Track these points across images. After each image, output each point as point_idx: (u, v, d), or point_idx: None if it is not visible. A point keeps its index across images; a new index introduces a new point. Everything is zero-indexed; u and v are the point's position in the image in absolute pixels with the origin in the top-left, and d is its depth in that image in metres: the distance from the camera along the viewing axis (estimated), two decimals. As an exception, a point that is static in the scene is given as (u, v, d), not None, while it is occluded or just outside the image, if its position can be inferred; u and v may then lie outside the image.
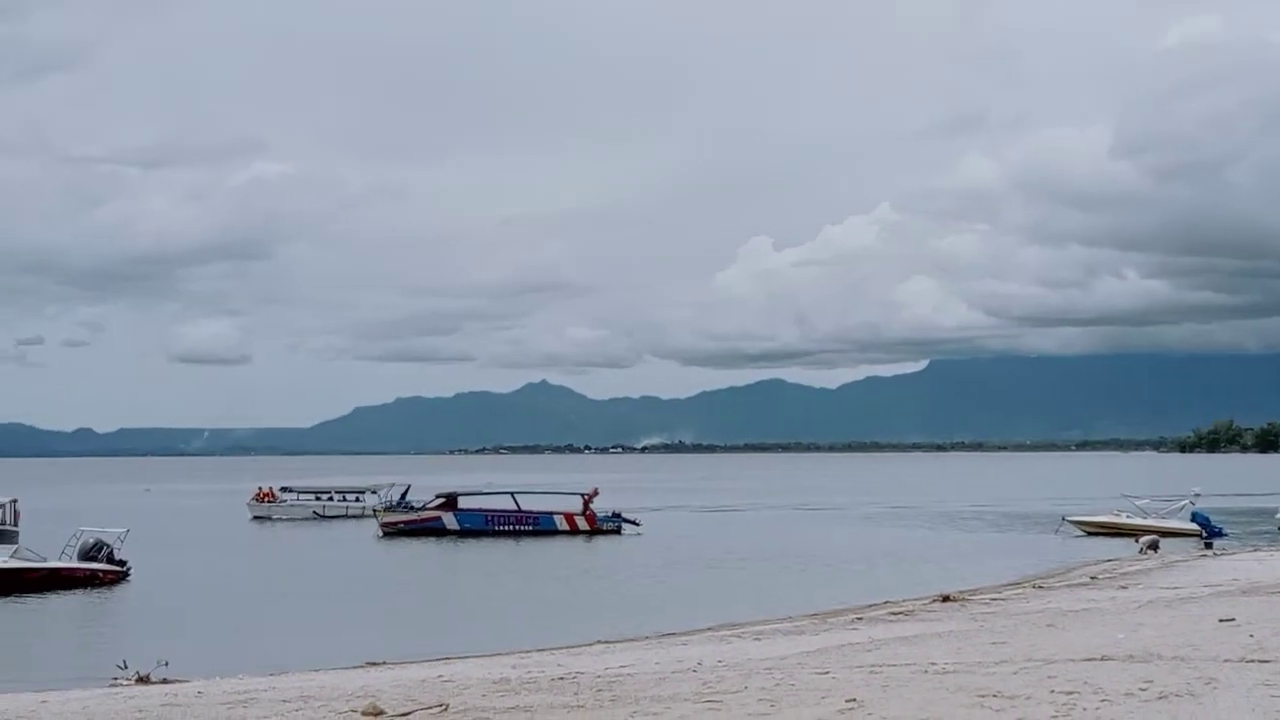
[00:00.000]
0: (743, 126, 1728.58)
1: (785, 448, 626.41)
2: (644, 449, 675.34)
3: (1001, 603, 36.26)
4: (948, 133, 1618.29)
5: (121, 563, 49.81)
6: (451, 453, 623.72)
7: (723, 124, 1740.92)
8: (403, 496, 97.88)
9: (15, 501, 63.80)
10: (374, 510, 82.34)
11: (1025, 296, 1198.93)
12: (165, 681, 24.48)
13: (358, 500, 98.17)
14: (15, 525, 61.30)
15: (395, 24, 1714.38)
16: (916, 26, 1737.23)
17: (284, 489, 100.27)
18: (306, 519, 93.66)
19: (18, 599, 44.25)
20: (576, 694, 17.74)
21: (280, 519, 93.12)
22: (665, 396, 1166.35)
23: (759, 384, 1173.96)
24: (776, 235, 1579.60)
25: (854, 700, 15.48)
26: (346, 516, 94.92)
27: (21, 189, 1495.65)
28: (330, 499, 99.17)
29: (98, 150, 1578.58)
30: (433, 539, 73.00)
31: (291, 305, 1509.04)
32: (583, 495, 78.10)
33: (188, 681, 24.09)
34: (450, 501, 78.33)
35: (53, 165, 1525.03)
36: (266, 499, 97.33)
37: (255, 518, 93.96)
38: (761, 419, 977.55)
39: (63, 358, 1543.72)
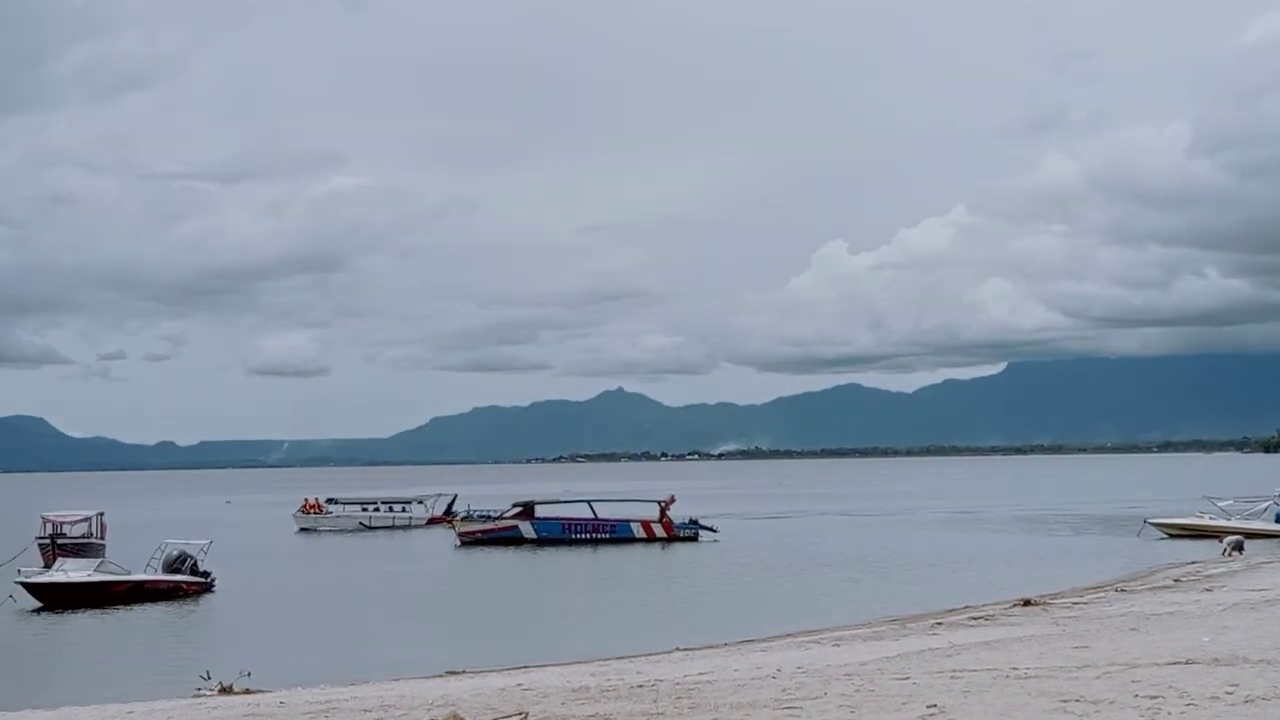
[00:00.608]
0: (816, 130, 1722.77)
1: (863, 452, 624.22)
2: (720, 455, 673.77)
3: (1083, 606, 35.88)
4: (1024, 133, 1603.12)
5: (205, 574, 50.38)
6: (529, 461, 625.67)
7: (796, 128, 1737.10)
8: (449, 507, 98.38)
9: (102, 515, 64.80)
10: (455, 520, 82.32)
11: (1105, 297, 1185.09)
12: (248, 692, 24.68)
13: (404, 511, 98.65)
14: (103, 538, 62.22)
15: (469, 36, 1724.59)
16: (992, 26, 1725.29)
17: (330, 500, 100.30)
18: (353, 530, 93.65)
19: (104, 611, 44.84)
20: (656, 701, 17.73)
21: (327, 530, 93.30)
22: (741, 402, 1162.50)
23: (835, 389, 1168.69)
24: (851, 239, 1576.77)
25: (935, 706, 15.38)
26: (393, 527, 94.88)
27: (104, 206, 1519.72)
28: (376, 509, 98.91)
29: (178, 166, 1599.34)
30: (510, 548, 73.21)
31: (369, 317, 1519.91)
32: (659, 503, 78.08)
33: (270, 692, 24.28)
34: (527, 510, 78.52)
35: (134, 181, 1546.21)
36: (313, 511, 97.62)
37: (302, 530, 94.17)
38: (838, 424, 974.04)
39: (144, 372, 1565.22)
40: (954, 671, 19.56)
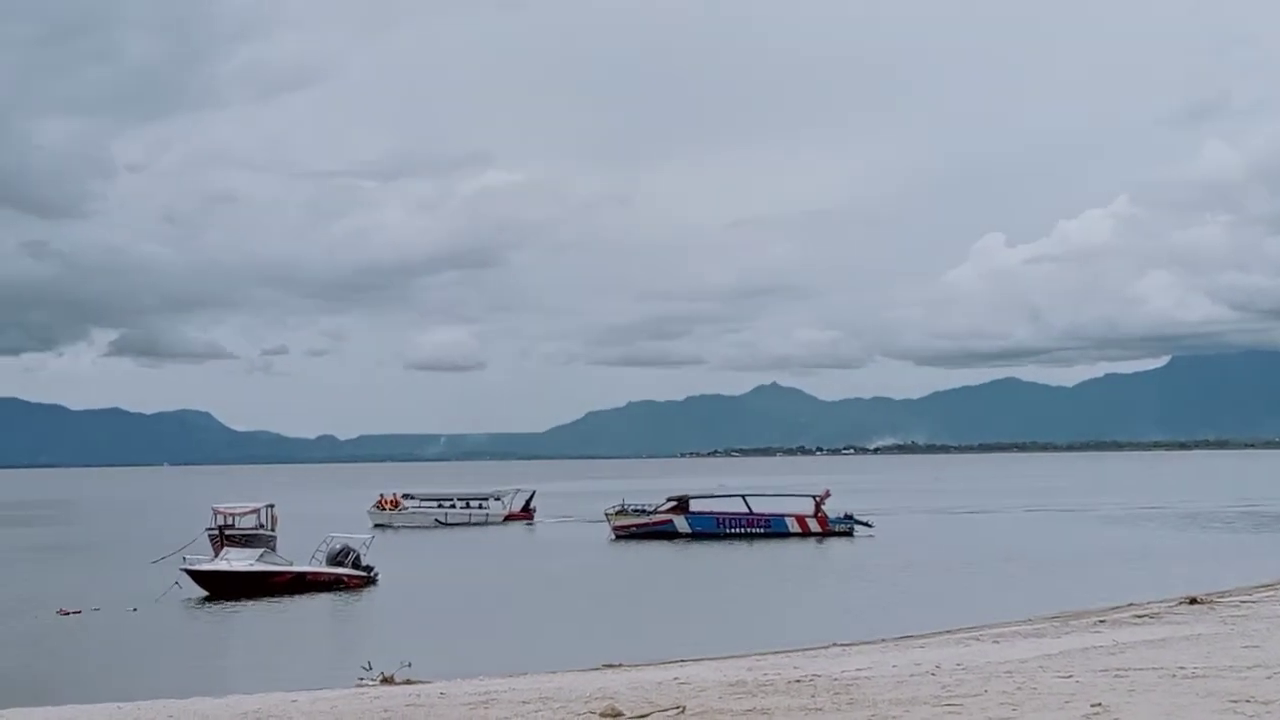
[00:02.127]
0: (973, 120, 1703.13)
1: (1021, 447, 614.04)
2: (876, 450, 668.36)
3: (1253, 605, 34.97)
4: (1187, 121, 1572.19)
5: (368, 568, 51.19)
6: (683, 455, 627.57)
7: (953, 119, 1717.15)
8: (526, 503, 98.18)
9: (272, 506, 66.34)
10: (612, 514, 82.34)
11: (1272, 289, 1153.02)
12: (409, 682, 24.99)
13: (481, 507, 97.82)
14: (273, 530, 63.64)
15: (620, 32, 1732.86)
16: (1152, 11, 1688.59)
17: (406, 496, 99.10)
18: (428, 526, 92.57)
19: (269, 601, 45.77)
20: (814, 697, 17.65)
21: (402, 526, 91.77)
22: (897, 397, 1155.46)
23: (993, 383, 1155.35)
24: (1009, 231, 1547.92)
25: (1099, 705, 15.09)
26: (469, 524, 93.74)
27: (265, 205, 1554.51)
28: (452, 506, 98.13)
29: (335, 165, 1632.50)
30: (664, 542, 73.40)
31: (523, 312, 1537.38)
32: (814, 497, 77.81)
33: (430, 683, 24.57)
34: (682, 505, 78.76)
35: (293, 181, 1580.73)
36: (389, 507, 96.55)
37: (376, 526, 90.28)
38: (996, 418, 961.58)
39: (305, 367, 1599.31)
40: (1118, 670, 19.21)
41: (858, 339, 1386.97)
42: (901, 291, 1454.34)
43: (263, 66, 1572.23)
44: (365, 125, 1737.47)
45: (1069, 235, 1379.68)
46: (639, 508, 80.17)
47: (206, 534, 61.05)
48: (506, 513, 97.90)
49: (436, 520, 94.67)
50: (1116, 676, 18.24)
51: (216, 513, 63.69)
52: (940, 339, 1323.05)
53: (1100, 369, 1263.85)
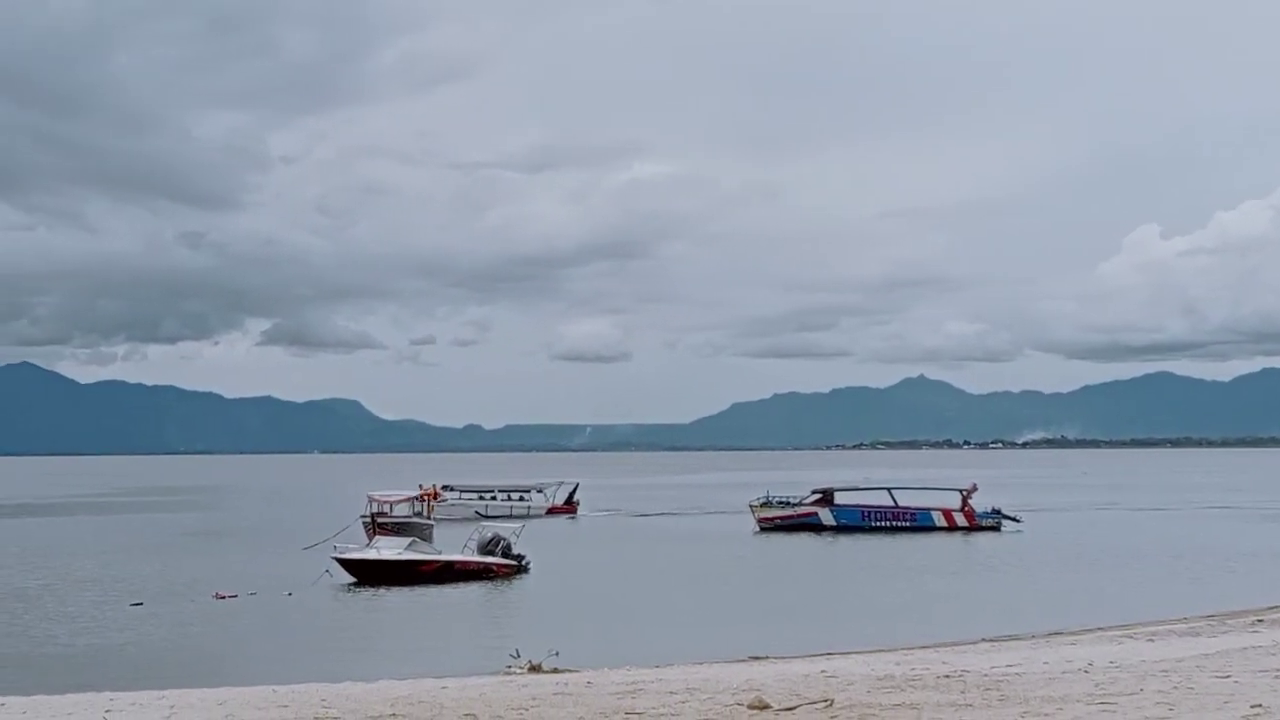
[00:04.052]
0: (1128, 110, 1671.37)
1: (1174, 443, 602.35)
2: (1025, 444, 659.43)
3: None
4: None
5: (519, 557, 51.66)
6: (829, 448, 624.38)
7: (1106, 108, 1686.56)
8: (570, 496, 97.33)
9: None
10: (757, 505, 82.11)
11: None
12: (556, 671, 25.22)
13: (522, 500, 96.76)
14: (429, 517, 64.51)
15: (771, 24, 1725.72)
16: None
17: (445, 488, 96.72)
18: (469, 519, 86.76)
19: (422, 589, 46.39)
20: (964, 692, 17.50)
21: (441, 519, 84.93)
22: (1047, 390, 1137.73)
23: (1145, 377, 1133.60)
24: (1164, 223, 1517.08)
25: (1259, 706, 14.78)
26: (511, 516, 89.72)
27: (415, 196, 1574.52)
28: (494, 498, 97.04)
29: (485, 156, 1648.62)
30: (809, 534, 73.16)
31: (670, 303, 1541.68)
32: (961, 491, 77.04)
33: (577, 672, 24.77)
34: (827, 497, 78.49)
35: (443, 172, 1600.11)
36: (428, 499, 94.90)
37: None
38: (1148, 413, 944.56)
39: (453, 357, 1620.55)
40: (1278, 671, 18.80)
41: (1007, 332, 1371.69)
42: (1053, 284, 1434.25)
43: (416, 59, 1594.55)
44: (515, 117, 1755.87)
45: (1226, 227, 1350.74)
46: (784, 500, 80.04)
47: (360, 521, 61.99)
48: (549, 505, 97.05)
49: (477, 513, 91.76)
50: (1276, 677, 17.87)
51: (371, 500, 64.71)
52: (1092, 332, 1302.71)
53: (1257, 364, 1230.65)
